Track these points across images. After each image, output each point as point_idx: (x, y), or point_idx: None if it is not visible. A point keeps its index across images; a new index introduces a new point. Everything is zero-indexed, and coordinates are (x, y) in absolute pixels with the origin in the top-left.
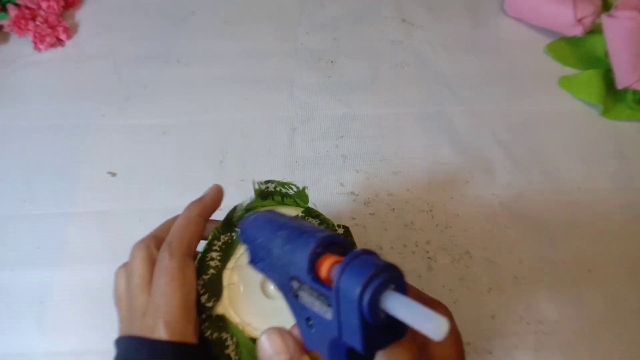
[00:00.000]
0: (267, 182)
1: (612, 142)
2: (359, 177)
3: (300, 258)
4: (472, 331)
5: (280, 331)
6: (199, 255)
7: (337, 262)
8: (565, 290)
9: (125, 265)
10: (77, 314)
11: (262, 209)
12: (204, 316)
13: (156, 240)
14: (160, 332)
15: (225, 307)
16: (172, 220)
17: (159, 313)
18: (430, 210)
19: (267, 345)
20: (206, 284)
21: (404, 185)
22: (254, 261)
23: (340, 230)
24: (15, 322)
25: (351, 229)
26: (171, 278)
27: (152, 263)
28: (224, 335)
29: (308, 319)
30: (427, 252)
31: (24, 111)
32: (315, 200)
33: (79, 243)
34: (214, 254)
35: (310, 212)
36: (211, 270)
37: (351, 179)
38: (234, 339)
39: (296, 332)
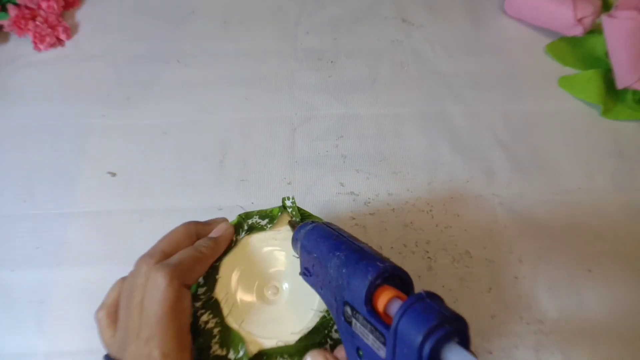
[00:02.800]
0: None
1: (612, 142)
2: (359, 177)
3: (358, 287)
4: (472, 331)
5: (325, 354)
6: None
7: (395, 296)
8: (565, 290)
9: (127, 279)
10: (77, 314)
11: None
12: None
13: (163, 256)
14: None
15: (249, 352)
16: (180, 234)
17: (154, 342)
18: (430, 210)
19: None
20: (223, 341)
21: (404, 185)
22: (305, 274)
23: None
24: (15, 322)
25: (351, 229)
26: (169, 308)
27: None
28: None
29: (358, 349)
30: (427, 252)
31: (24, 111)
32: (315, 200)
33: (78, 243)
34: (205, 317)
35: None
36: (216, 330)
37: (351, 179)
38: None
39: (341, 356)
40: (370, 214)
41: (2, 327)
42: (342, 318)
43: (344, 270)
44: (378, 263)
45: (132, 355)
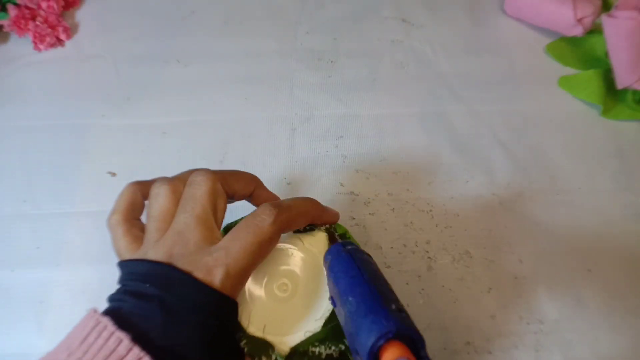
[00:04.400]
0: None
1: (612, 142)
2: (359, 177)
3: (364, 341)
4: (472, 331)
5: None
6: None
7: (401, 356)
8: (565, 290)
9: (184, 187)
10: (77, 314)
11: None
12: None
13: (224, 184)
14: (216, 279)
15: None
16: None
17: (224, 260)
18: (430, 210)
19: None
20: (253, 353)
21: (404, 185)
22: (333, 302)
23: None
24: (15, 322)
25: (351, 229)
26: (259, 241)
27: (218, 204)
28: None
29: None
30: (427, 252)
31: (24, 111)
32: None
33: (78, 243)
34: None
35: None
36: (242, 343)
37: (351, 179)
38: None
39: None
40: (370, 214)
41: (2, 327)
42: None
43: (356, 319)
44: (383, 321)
45: (189, 264)
